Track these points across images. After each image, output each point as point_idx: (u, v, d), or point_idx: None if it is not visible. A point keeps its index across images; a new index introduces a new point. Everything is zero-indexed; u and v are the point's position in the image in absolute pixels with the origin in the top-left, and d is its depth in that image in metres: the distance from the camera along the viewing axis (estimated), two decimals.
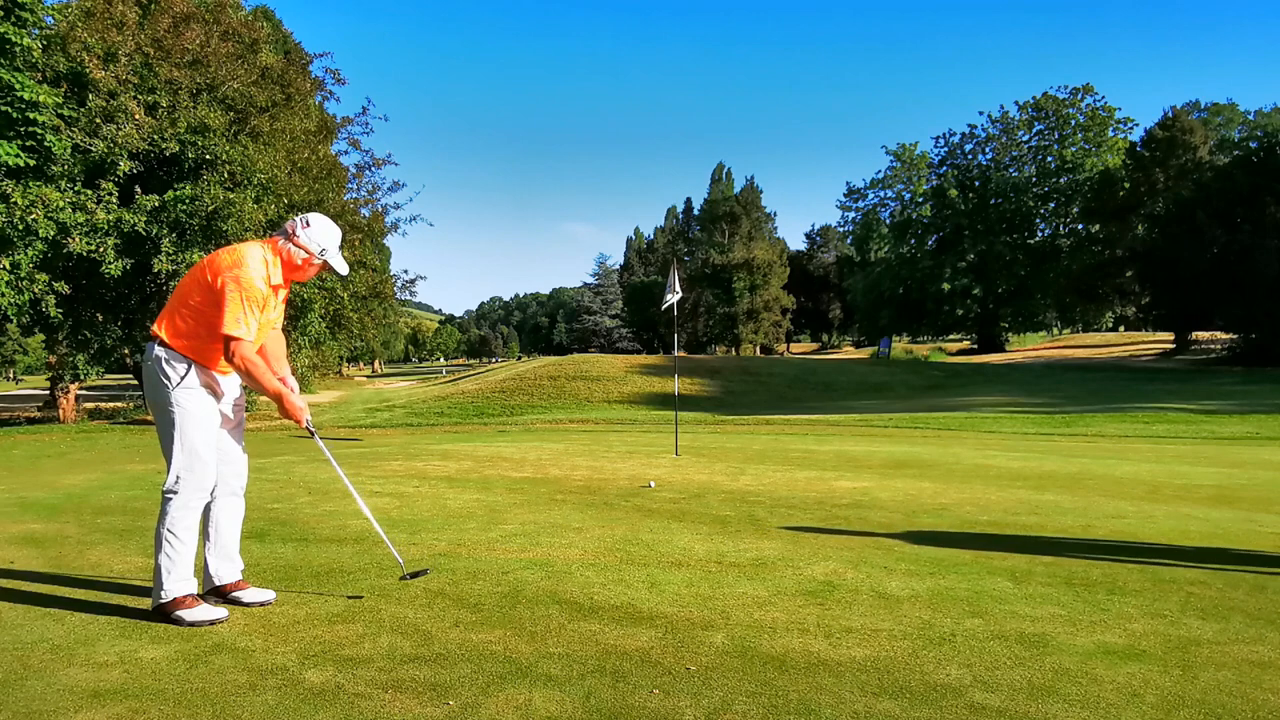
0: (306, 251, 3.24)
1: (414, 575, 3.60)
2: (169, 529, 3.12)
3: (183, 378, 3.12)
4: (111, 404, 25.92)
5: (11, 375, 78.55)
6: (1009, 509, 5.41)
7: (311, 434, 3.44)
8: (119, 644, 2.87)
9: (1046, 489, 6.32)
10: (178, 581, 3.11)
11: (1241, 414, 15.76)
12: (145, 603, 3.35)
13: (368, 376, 66.10)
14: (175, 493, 3.16)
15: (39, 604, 3.39)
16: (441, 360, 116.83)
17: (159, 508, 3.17)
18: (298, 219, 3.28)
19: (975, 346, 59.55)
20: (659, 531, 4.74)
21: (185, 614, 3.08)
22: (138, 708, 2.35)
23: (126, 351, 19.52)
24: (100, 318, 17.75)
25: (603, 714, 2.28)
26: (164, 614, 3.10)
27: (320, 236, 3.26)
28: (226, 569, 3.33)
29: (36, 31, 15.23)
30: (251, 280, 3.08)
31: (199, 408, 3.16)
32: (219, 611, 3.13)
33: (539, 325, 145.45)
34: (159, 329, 3.15)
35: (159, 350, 3.13)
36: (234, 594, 3.32)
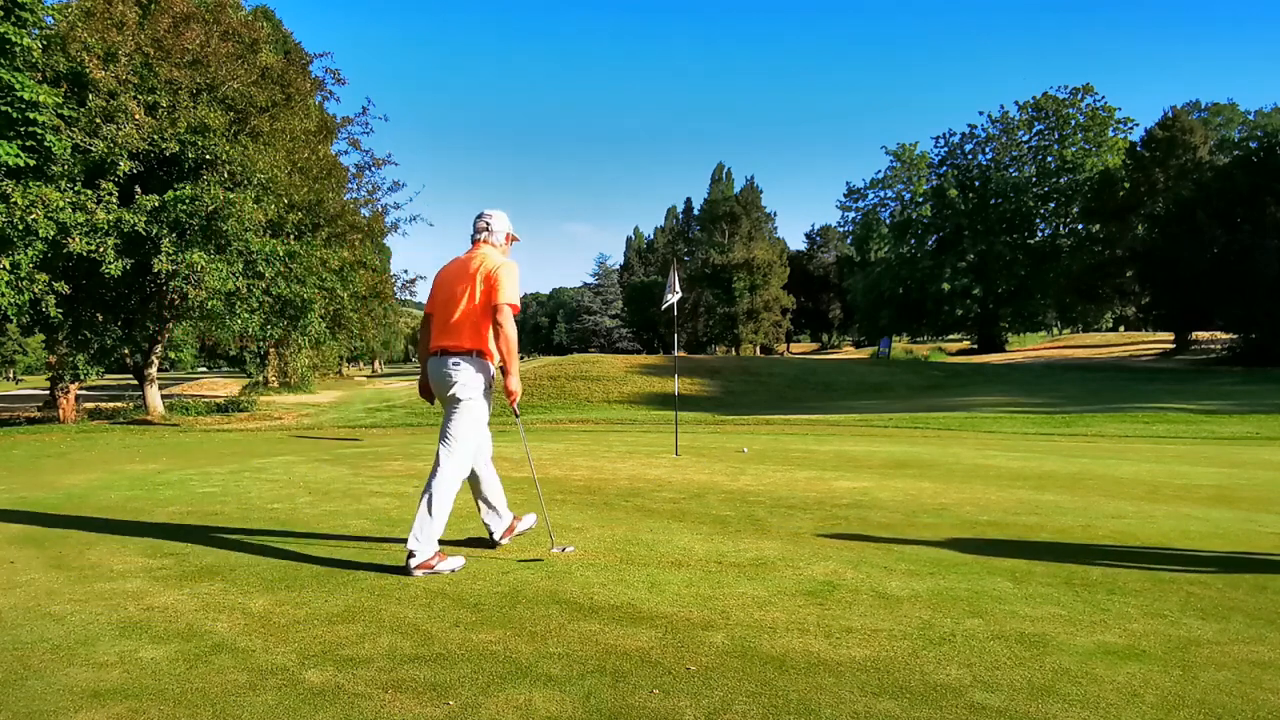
0: (509, 231, 4.13)
1: (563, 549, 4.21)
2: (447, 494, 3.80)
3: (488, 383, 3.93)
4: (111, 404, 25.87)
5: (11, 375, 78.56)
6: (1009, 509, 5.41)
7: (516, 416, 4.14)
8: (119, 644, 2.88)
9: (1046, 489, 6.32)
10: (434, 542, 3.77)
11: (1241, 414, 15.75)
12: (145, 602, 3.36)
13: (368, 376, 66.08)
14: (459, 468, 3.87)
15: (39, 604, 3.39)
16: None
17: (434, 475, 3.80)
18: (485, 216, 4.09)
19: (975, 346, 59.50)
20: (659, 531, 4.74)
21: (440, 564, 3.78)
22: (138, 708, 2.35)
23: (126, 351, 19.52)
24: (100, 318, 17.76)
25: (603, 714, 2.28)
26: (419, 572, 3.71)
27: (504, 218, 4.13)
28: (497, 522, 4.23)
29: (36, 31, 15.22)
30: (513, 264, 3.92)
31: (487, 409, 3.99)
32: (458, 561, 3.87)
33: (539, 325, 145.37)
34: (458, 341, 3.83)
35: (477, 358, 3.85)
36: (505, 539, 4.26)
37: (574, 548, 4.26)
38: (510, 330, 3.79)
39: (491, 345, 3.88)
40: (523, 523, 4.36)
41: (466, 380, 3.83)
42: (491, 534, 4.26)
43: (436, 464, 3.84)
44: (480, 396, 3.90)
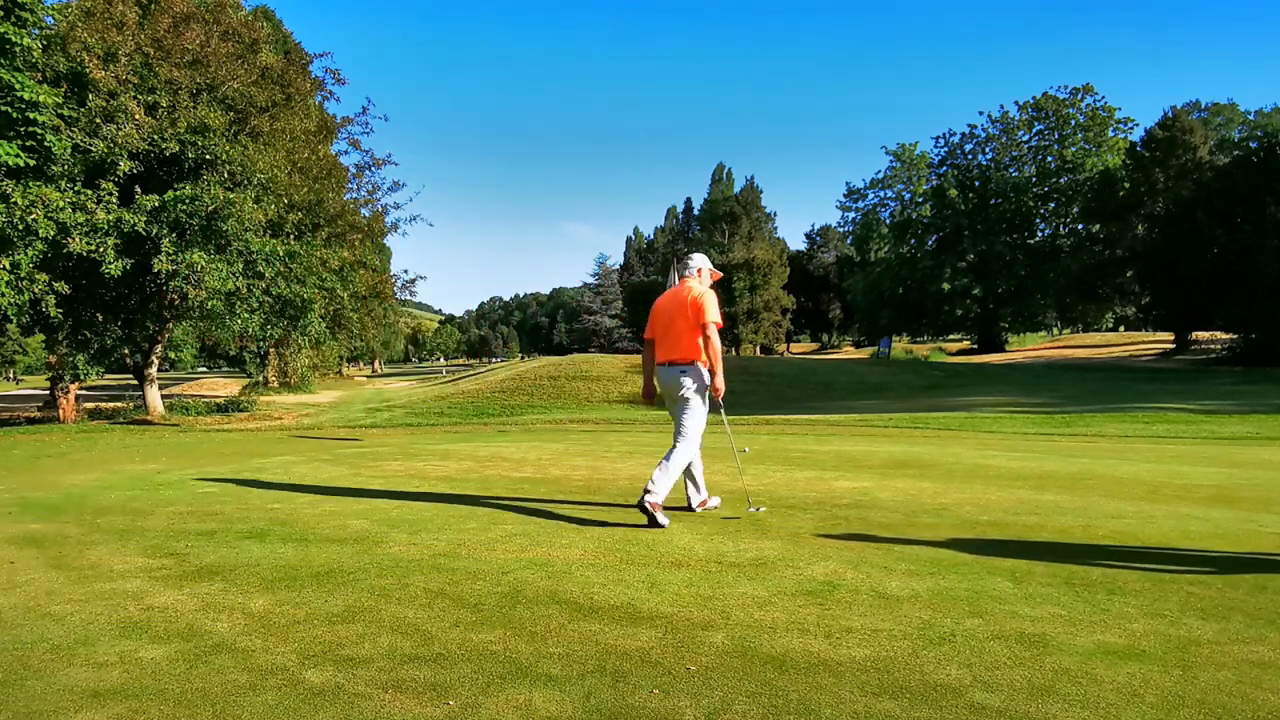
0: (706, 268, 5.31)
1: (756, 509, 5.28)
2: (680, 462, 4.97)
3: (705, 384, 5.04)
4: (111, 404, 25.87)
5: (11, 375, 78.56)
6: (1009, 509, 5.41)
7: (720, 408, 5.19)
8: (119, 644, 2.88)
9: (1046, 489, 6.32)
10: (665, 493, 4.89)
11: (1241, 414, 15.74)
12: (145, 602, 3.36)
13: (368, 376, 66.07)
14: (691, 445, 5.01)
15: (39, 604, 3.39)
16: (441, 360, 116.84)
17: (673, 450, 4.99)
18: (688, 259, 5.29)
19: (975, 346, 59.48)
20: (659, 531, 4.74)
21: (660, 516, 4.82)
22: (138, 708, 2.35)
23: (126, 351, 19.52)
24: (100, 318, 17.77)
25: (603, 714, 2.28)
26: (649, 509, 4.78)
27: (704, 259, 5.34)
28: (695, 495, 5.34)
29: (36, 31, 15.22)
30: (711, 292, 5.10)
31: (705, 403, 5.10)
32: (666, 519, 4.91)
33: (539, 325, 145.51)
34: (683, 355, 4.99)
35: (695, 366, 5.00)
36: (699, 509, 5.30)
37: (765, 508, 5.34)
38: (715, 341, 4.98)
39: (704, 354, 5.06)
40: (712, 501, 5.43)
41: (691, 383, 5.02)
42: (689, 503, 5.34)
43: (675, 443, 5.04)
44: (701, 394, 5.04)
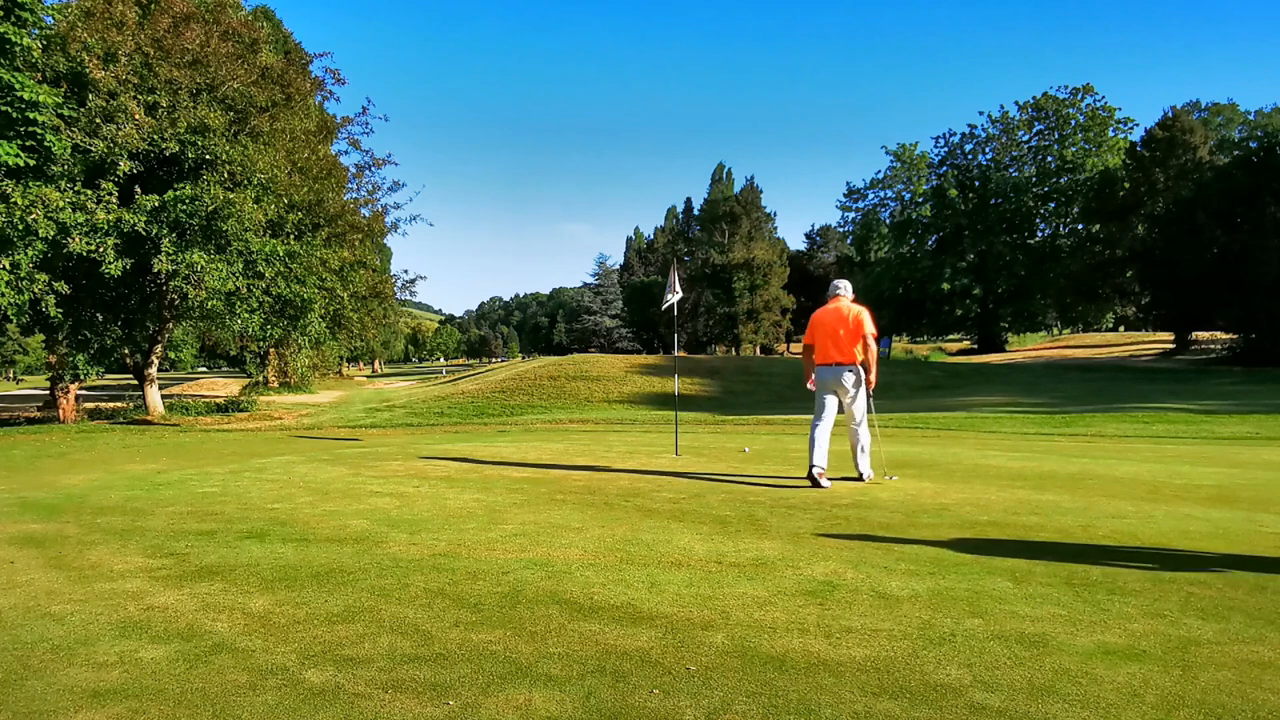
0: (849, 292, 6.79)
1: (890, 477, 6.83)
2: (867, 442, 6.72)
3: (862, 379, 6.55)
4: (111, 404, 25.87)
5: (11, 375, 78.57)
6: (1009, 509, 5.41)
7: (870, 398, 6.69)
8: (119, 644, 2.88)
9: (1046, 489, 6.32)
10: (867, 467, 6.70)
11: (1241, 414, 15.74)
12: (145, 602, 3.36)
13: (368, 376, 66.08)
14: (866, 426, 6.68)
15: (39, 604, 3.39)
16: (441, 360, 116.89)
17: (856, 435, 6.69)
18: (839, 284, 6.85)
19: (975, 346, 59.47)
20: (659, 531, 4.74)
21: (824, 481, 6.40)
22: (138, 708, 2.35)
23: (126, 351, 19.53)
24: (100, 318, 17.77)
25: (603, 714, 2.28)
26: (814, 479, 6.39)
27: (848, 285, 6.89)
28: (864, 467, 6.72)
29: (36, 31, 15.23)
30: (866, 309, 6.58)
31: (867, 393, 6.64)
32: (829, 484, 6.43)
33: (539, 325, 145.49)
34: (845, 358, 6.49)
35: (855, 366, 6.51)
36: (865, 480, 6.66)
37: (897, 477, 6.86)
38: (874, 348, 6.50)
39: (860, 356, 6.54)
40: (869, 474, 6.74)
41: (852, 378, 6.52)
42: (860, 474, 6.71)
43: (853, 428, 6.64)
44: (860, 386, 6.54)
